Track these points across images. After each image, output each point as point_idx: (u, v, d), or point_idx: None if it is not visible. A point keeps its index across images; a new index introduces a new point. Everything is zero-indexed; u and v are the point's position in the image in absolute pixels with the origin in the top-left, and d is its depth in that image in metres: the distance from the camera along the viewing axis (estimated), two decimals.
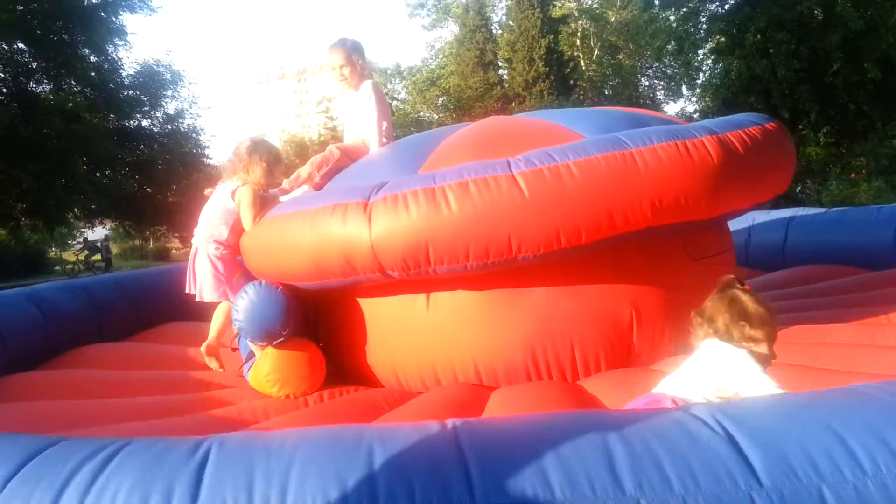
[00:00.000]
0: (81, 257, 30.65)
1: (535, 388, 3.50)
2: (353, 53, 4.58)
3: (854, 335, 3.81)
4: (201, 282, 4.20)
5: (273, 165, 4.27)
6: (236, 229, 4.15)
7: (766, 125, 3.86)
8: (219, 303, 4.31)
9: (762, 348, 2.48)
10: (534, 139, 3.73)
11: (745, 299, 2.56)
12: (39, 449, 1.93)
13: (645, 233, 3.40)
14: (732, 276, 2.71)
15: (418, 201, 3.24)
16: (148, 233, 35.12)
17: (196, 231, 4.26)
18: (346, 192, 3.54)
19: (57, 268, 31.83)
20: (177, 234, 34.86)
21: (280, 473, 1.70)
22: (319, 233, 3.45)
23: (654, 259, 3.69)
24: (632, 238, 3.44)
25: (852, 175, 20.94)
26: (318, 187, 4.25)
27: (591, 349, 3.58)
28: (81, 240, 33.78)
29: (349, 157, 4.42)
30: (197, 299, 4.25)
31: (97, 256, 30.74)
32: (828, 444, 1.67)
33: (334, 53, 4.60)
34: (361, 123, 4.59)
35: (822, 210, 7.04)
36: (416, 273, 3.37)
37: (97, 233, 39.00)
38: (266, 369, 3.79)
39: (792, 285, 5.62)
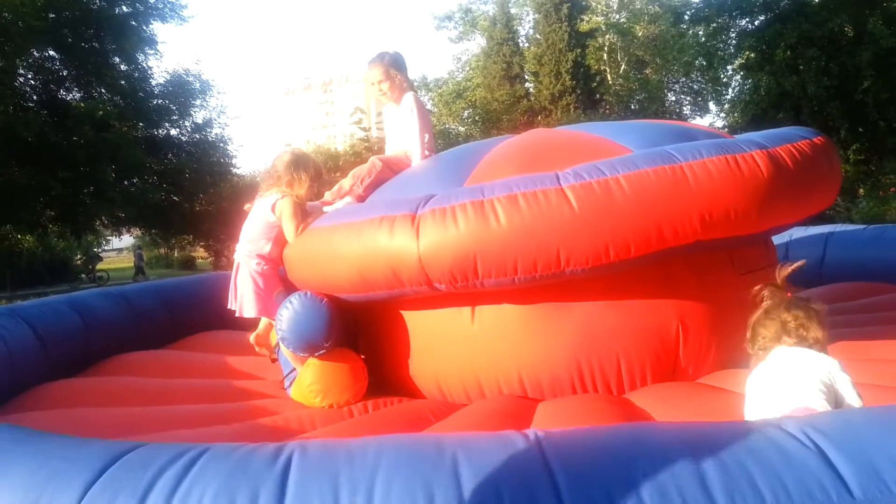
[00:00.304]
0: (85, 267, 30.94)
1: (583, 400, 3.48)
2: (391, 68, 4.57)
3: None
4: (242, 297, 4.20)
5: (315, 180, 4.28)
6: (279, 242, 4.16)
7: (814, 139, 3.83)
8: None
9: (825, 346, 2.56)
10: (580, 152, 3.71)
11: (802, 302, 2.64)
12: (119, 454, 1.94)
13: (693, 247, 3.38)
14: (778, 283, 2.76)
15: (467, 214, 3.23)
16: (174, 241, 35.30)
17: (237, 247, 4.27)
18: (392, 205, 3.54)
19: (83, 275, 32.17)
20: (203, 243, 35.06)
21: (365, 481, 1.69)
22: (366, 245, 3.45)
23: (701, 273, 3.66)
24: (680, 252, 3.42)
25: (880, 193, 20.70)
26: (361, 199, 4.26)
27: (637, 363, 3.56)
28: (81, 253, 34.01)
29: (391, 169, 4.43)
30: (237, 314, 4.26)
31: (101, 265, 30.94)
32: None
33: (373, 69, 4.59)
34: (403, 136, 4.60)
35: (861, 227, 6.96)
36: (463, 286, 3.36)
37: (124, 241, 39.37)
38: (309, 380, 3.80)
39: (831, 302, 5.53)
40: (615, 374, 3.56)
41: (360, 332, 4.32)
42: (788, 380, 2.48)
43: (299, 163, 4.25)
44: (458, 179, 3.84)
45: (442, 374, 3.80)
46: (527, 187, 3.24)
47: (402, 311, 3.84)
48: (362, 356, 4.10)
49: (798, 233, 6.90)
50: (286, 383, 4.14)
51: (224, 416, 3.71)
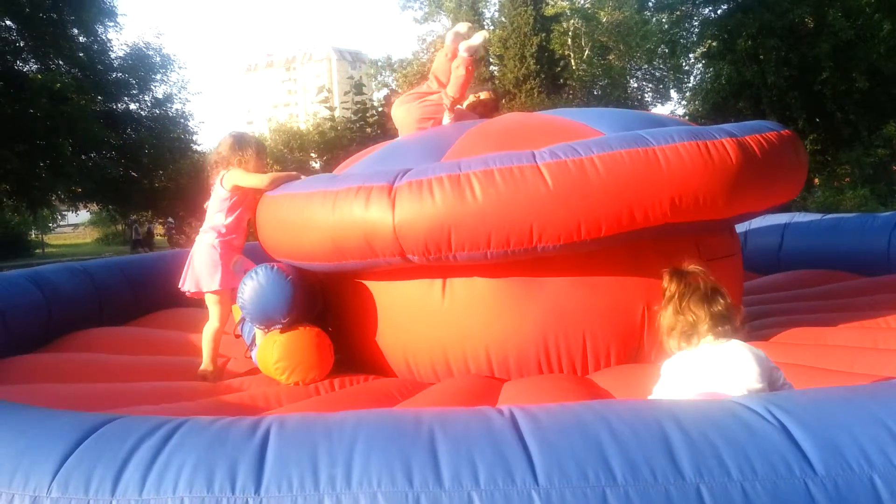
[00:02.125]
0: None
1: (548, 380, 3.53)
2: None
3: (855, 338, 3.86)
4: (198, 272, 4.19)
5: (260, 155, 4.35)
6: (234, 211, 4.21)
7: (782, 132, 3.91)
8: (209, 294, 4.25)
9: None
10: (554, 135, 3.75)
11: (720, 290, 2.53)
12: (96, 426, 1.91)
13: (662, 230, 3.44)
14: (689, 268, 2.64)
15: (443, 187, 3.27)
16: (133, 218, 34.63)
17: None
18: (370, 176, 3.55)
19: (38, 251, 31.42)
20: (161, 220, 34.48)
21: (343, 454, 1.70)
22: (342, 214, 3.47)
23: (667, 257, 3.68)
24: (648, 234, 3.48)
25: (835, 183, 21.18)
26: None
27: (603, 343, 3.62)
28: None
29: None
30: (193, 290, 4.24)
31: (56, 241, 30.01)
32: (877, 434, 1.71)
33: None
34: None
35: (818, 216, 7.10)
36: (436, 259, 3.40)
37: (80, 216, 38.40)
38: (275, 356, 3.77)
39: (788, 288, 5.68)
40: (581, 354, 3.62)
41: (328, 307, 4.31)
42: (734, 372, 2.37)
43: (242, 142, 4.32)
44: (436, 156, 3.86)
45: (410, 349, 3.82)
46: (503, 163, 3.28)
47: (372, 285, 3.86)
48: (329, 330, 4.09)
49: (757, 221, 7.02)
50: (252, 354, 4.12)
51: (190, 392, 3.69)
